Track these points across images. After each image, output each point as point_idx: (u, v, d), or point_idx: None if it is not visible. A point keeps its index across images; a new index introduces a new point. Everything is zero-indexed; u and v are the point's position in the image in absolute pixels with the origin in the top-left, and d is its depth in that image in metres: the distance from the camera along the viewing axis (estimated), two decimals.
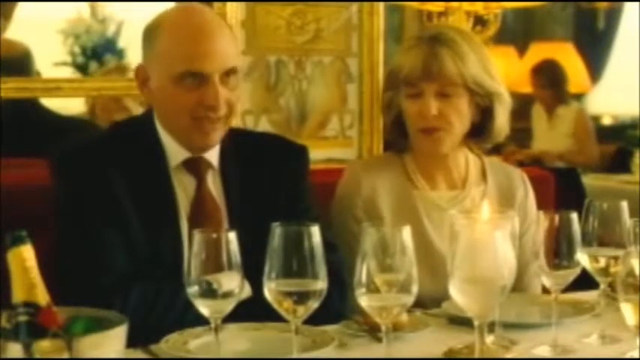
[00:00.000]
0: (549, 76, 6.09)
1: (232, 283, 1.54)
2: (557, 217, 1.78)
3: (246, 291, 1.68)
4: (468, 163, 2.36)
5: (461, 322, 1.85)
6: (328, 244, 1.56)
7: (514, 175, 2.41)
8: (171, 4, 2.25)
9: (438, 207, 2.30)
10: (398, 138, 2.33)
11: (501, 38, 5.40)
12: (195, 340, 1.74)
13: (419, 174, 2.33)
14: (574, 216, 1.79)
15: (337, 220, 2.30)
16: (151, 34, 2.04)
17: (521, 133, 6.23)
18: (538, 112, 6.17)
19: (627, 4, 7.68)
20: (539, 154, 5.88)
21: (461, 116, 2.24)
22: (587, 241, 1.83)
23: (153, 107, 2.10)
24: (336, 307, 1.87)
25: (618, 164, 5.70)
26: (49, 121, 3.43)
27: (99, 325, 1.34)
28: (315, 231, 1.51)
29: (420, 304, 1.64)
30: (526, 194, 2.39)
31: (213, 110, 1.99)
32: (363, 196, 2.29)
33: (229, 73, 2.01)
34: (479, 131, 2.31)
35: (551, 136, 5.98)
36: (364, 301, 1.51)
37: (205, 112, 2.00)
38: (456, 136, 2.26)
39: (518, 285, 1.94)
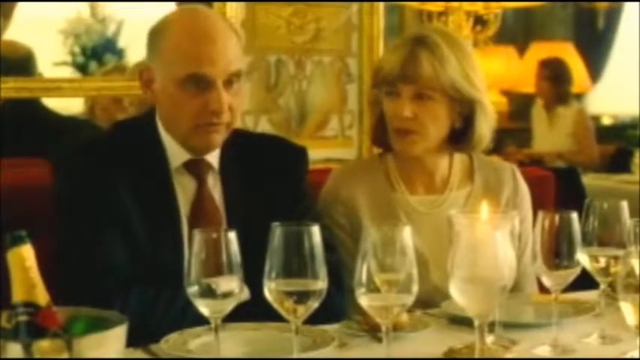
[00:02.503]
0: (554, 70, 6.08)
1: (231, 285, 1.54)
2: (557, 217, 1.78)
3: (245, 294, 1.68)
4: (452, 165, 2.35)
5: (461, 322, 1.85)
6: (327, 244, 1.56)
7: (503, 171, 2.38)
8: (172, 4, 2.25)
9: (418, 210, 2.30)
10: (381, 136, 2.33)
11: (501, 38, 5.40)
12: (195, 340, 1.74)
13: (399, 178, 2.33)
14: (574, 216, 1.79)
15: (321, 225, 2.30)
16: (156, 35, 2.04)
17: (522, 133, 6.24)
18: (538, 112, 6.17)
19: (627, 4, 7.68)
20: (540, 154, 5.89)
21: (436, 121, 2.23)
22: (587, 241, 1.83)
23: (155, 108, 2.10)
24: (336, 306, 1.87)
25: (618, 164, 5.70)
26: (50, 121, 3.43)
27: (99, 325, 1.34)
28: (315, 231, 1.51)
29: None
30: (515, 190, 2.37)
31: (216, 115, 2.00)
32: (343, 202, 2.29)
33: (233, 77, 2.01)
34: (459, 138, 2.29)
35: (551, 136, 5.98)
36: (364, 301, 1.51)
37: (209, 118, 2.00)
38: (430, 140, 2.25)
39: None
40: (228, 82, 2.00)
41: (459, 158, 2.36)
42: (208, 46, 1.98)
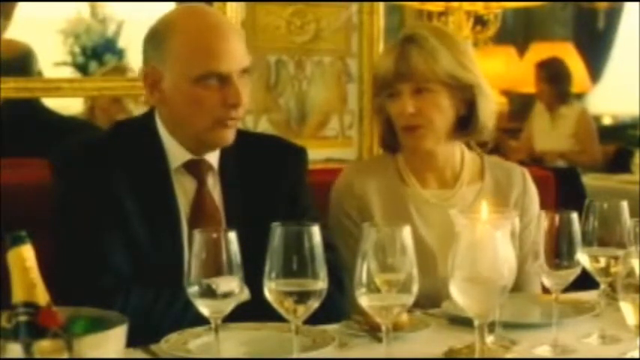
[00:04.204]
0: (552, 70, 6.09)
1: (231, 285, 1.54)
2: (557, 217, 1.78)
3: (245, 294, 1.68)
4: (464, 161, 2.38)
5: (461, 322, 1.85)
6: (327, 244, 1.56)
7: (513, 173, 2.41)
8: (172, 4, 2.25)
9: (428, 203, 2.33)
10: (391, 138, 2.37)
11: (501, 38, 5.40)
12: (195, 340, 1.74)
13: (410, 173, 2.36)
14: (574, 216, 1.79)
15: (333, 221, 2.35)
16: (161, 35, 2.03)
17: (522, 133, 6.22)
18: (539, 112, 6.16)
19: (627, 4, 7.68)
20: (542, 152, 5.89)
21: (440, 111, 2.27)
22: (587, 241, 1.83)
23: (158, 108, 2.09)
24: (336, 306, 1.87)
25: (618, 164, 5.70)
26: (50, 121, 3.43)
27: (99, 325, 1.34)
28: (315, 231, 1.51)
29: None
30: (524, 192, 2.39)
31: (235, 109, 2.00)
32: (355, 195, 2.32)
33: (244, 72, 2.02)
34: (465, 125, 2.32)
35: (553, 136, 5.96)
36: (364, 301, 1.51)
37: (228, 112, 2.00)
38: (438, 131, 2.29)
39: (515, 285, 1.94)
40: (241, 76, 2.01)
41: (470, 157, 2.40)
42: (222, 42, 1.99)
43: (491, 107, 2.34)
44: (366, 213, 2.30)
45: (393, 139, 2.35)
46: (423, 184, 2.36)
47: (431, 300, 1.98)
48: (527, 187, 2.40)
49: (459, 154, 2.38)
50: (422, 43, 2.25)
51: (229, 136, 2.05)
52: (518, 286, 2.15)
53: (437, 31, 2.34)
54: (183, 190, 2.07)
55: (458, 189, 2.36)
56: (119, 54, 4.44)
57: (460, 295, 1.52)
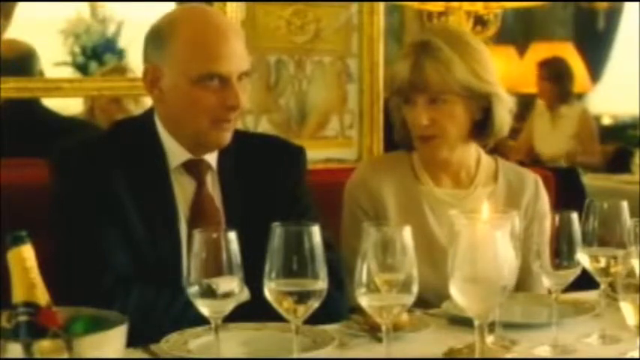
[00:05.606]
0: (554, 69, 6.08)
1: (231, 285, 1.54)
2: (557, 217, 1.78)
3: (245, 295, 1.69)
4: (480, 164, 2.40)
5: (461, 322, 1.85)
6: (326, 244, 1.56)
7: (526, 178, 2.43)
8: (172, 4, 2.25)
9: (442, 202, 2.34)
10: (407, 136, 2.37)
11: (501, 38, 5.40)
12: (196, 340, 1.74)
13: (425, 172, 2.38)
14: (574, 216, 1.79)
15: (347, 217, 2.37)
16: (163, 33, 2.03)
17: (521, 133, 6.23)
18: (540, 113, 6.15)
19: (627, 4, 7.69)
20: (539, 152, 5.89)
21: (455, 121, 2.28)
22: (587, 241, 1.83)
23: (156, 107, 2.09)
24: (336, 306, 1.87)
25: (618, 164, 5.70)
26: (50, 121, 3.42)
27: (99, 325, 1.34)
28: (315, 231, 1.51)
29: (422, 298, 1.62)
30: (536, 197, 2.40)
31: (233, 111, 2.01)
32: (369, 190, 2.34)
33: (243, 75, 2.02)
34: (481, 128, 2.33)
35: (553, 137, 5.96)
36: (364, 301, 1.51)
37: (225, 113, 2.01)
38: (453, 139, 2.31)
39: (522, 286, 1.94)
40: (240, 79, 2.01)
41: (485, 159, 2.42)
42: (223, 43, 1.99)
43: (507, 110, 2.34)
44: (380, 209, 2.32)
45: (409, 137, 2.35)
46: (438, 183, 2.38)
47: (439, 297, 1.98)
48: (539, 193, 2.42)
49: (474, 156, 2.39)
50: (436, 53, 2.24)
51: (226, 137, 2.05)
52: (526, 288, 2.16)
53: (452, 38, 2.31)
54: (183, 190, 2.07)
55: (472, 190, 2.37)
56: (119, 54, 4.43)
57: (460, 295, 1.52)
